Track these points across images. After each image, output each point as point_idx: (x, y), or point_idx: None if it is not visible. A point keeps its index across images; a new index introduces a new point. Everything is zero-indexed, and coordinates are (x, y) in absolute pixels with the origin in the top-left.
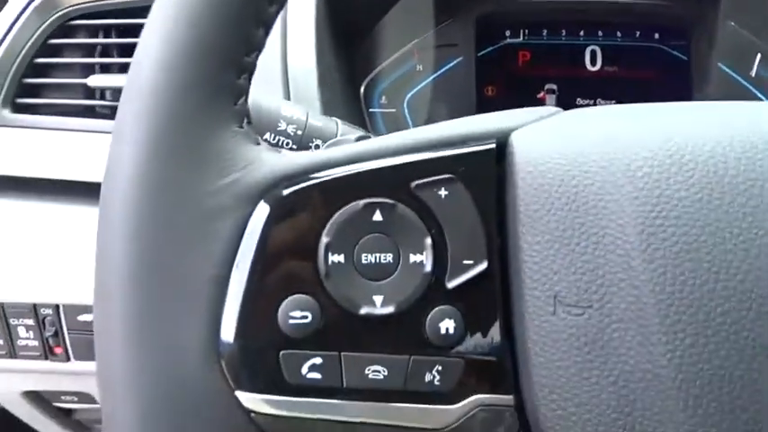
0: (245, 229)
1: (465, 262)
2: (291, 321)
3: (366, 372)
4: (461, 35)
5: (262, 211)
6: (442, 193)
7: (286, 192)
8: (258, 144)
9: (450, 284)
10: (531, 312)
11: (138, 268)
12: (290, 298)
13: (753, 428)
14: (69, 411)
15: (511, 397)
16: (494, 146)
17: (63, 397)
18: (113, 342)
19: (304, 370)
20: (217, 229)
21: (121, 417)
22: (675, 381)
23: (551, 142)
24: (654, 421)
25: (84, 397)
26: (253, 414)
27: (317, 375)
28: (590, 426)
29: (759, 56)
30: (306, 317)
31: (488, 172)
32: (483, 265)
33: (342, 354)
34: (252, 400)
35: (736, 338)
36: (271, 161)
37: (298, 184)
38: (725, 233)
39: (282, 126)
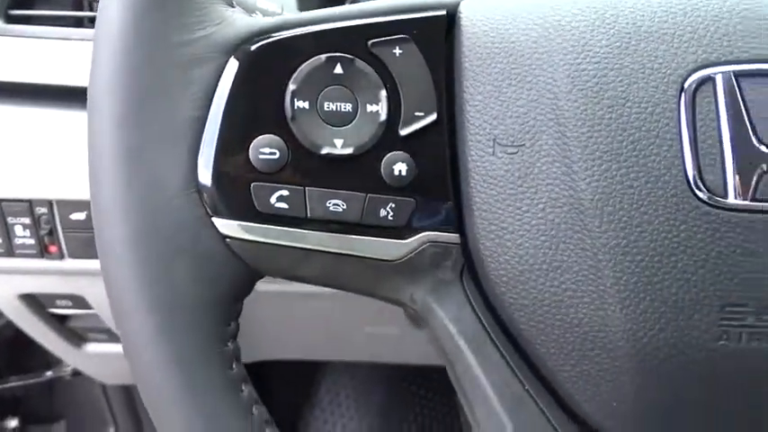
0: (219, 77)
1: (416, 113)
2: (261, 157)
3: (327, 204)
4: None
5: (234, 61)
6: (397, 51)
7: (255, 46)
8: (233, 7)
9: (403, 132)
10: (473, 155)
11: (125, 109)
12: (260, 137)
13: (657, 238)
14: (64, 319)
15: (457, 235)
16: (444, 12)
17: (58, 302)
18: (104, 175)
19: (273, 200)
20: (194, 76)
21: (110, 236)
22: (593, 201)
23: (495, 8)
24: (575, 239)
25: (78, 301)
26: (227, 239)
27: (284, 205)
28: (522, 249)
29: None
30: (274, 153)
31: (439, 35)
32: (432, 117)
33: (306, 188)
34: (226, 226)
35: (644, 162)
36: (243, 20)
37: (267, 39)
38: (638, 74)
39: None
